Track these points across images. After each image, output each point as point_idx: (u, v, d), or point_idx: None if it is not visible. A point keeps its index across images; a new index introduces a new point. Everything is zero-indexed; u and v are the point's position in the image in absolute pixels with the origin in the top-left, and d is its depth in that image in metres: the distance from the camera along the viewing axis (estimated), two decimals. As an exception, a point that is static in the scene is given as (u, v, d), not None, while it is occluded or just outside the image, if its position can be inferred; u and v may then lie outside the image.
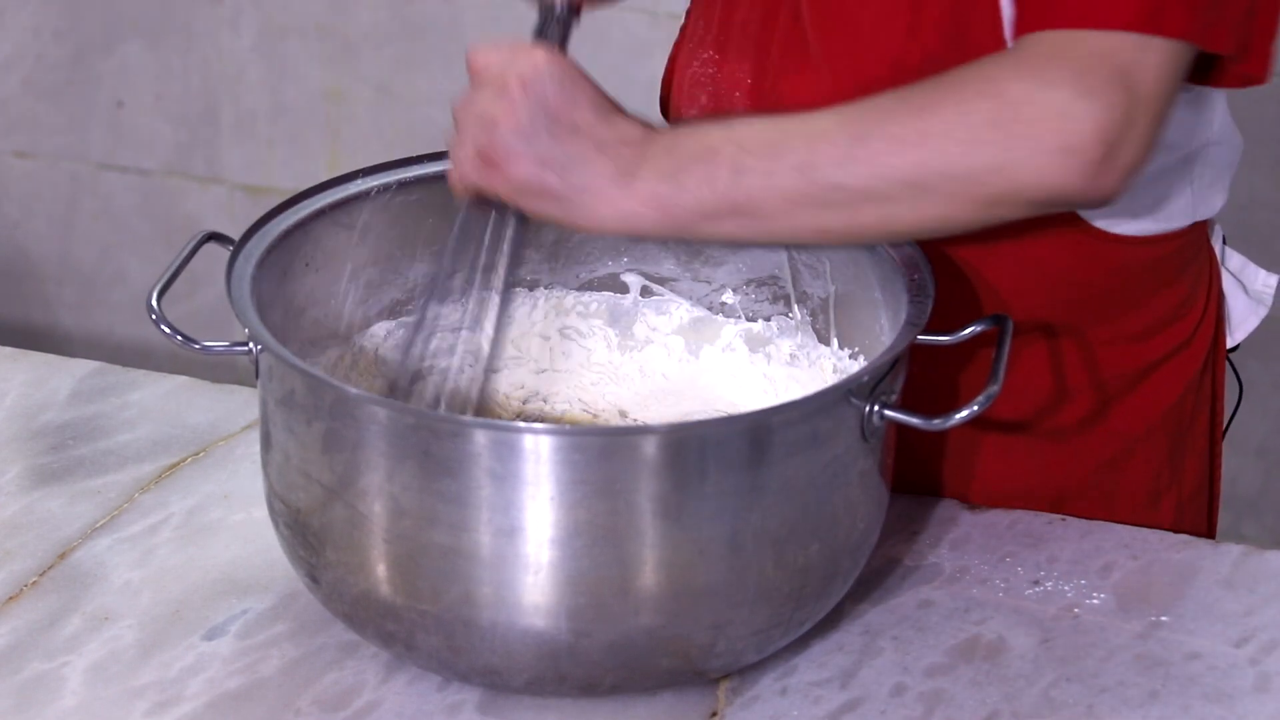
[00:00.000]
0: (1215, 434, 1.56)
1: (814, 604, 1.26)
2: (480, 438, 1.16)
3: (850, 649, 1.31)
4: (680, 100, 1.50)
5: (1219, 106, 1.42)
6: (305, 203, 1.36)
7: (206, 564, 1.38)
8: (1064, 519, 1.43)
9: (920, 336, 1.25)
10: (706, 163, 1.24)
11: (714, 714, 1.26)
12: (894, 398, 1.24)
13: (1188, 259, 1.47)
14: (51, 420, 1.54)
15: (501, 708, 1.25)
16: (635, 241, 1.46)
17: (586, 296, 1.48)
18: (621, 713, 1.25)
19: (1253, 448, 2.80)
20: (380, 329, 1.43)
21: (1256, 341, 1.57)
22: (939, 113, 1.23)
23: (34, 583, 1.37)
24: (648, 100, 1.50)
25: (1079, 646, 1.31)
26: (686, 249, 1.46)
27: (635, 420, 1.45)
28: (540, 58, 1.25)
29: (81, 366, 1.61)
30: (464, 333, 1.39)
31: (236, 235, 1.32)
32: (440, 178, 1.41)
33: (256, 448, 1.31)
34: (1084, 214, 1.39)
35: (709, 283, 1.47)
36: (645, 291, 1.48)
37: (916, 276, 1.29)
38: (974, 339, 1.29)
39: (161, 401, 1.57)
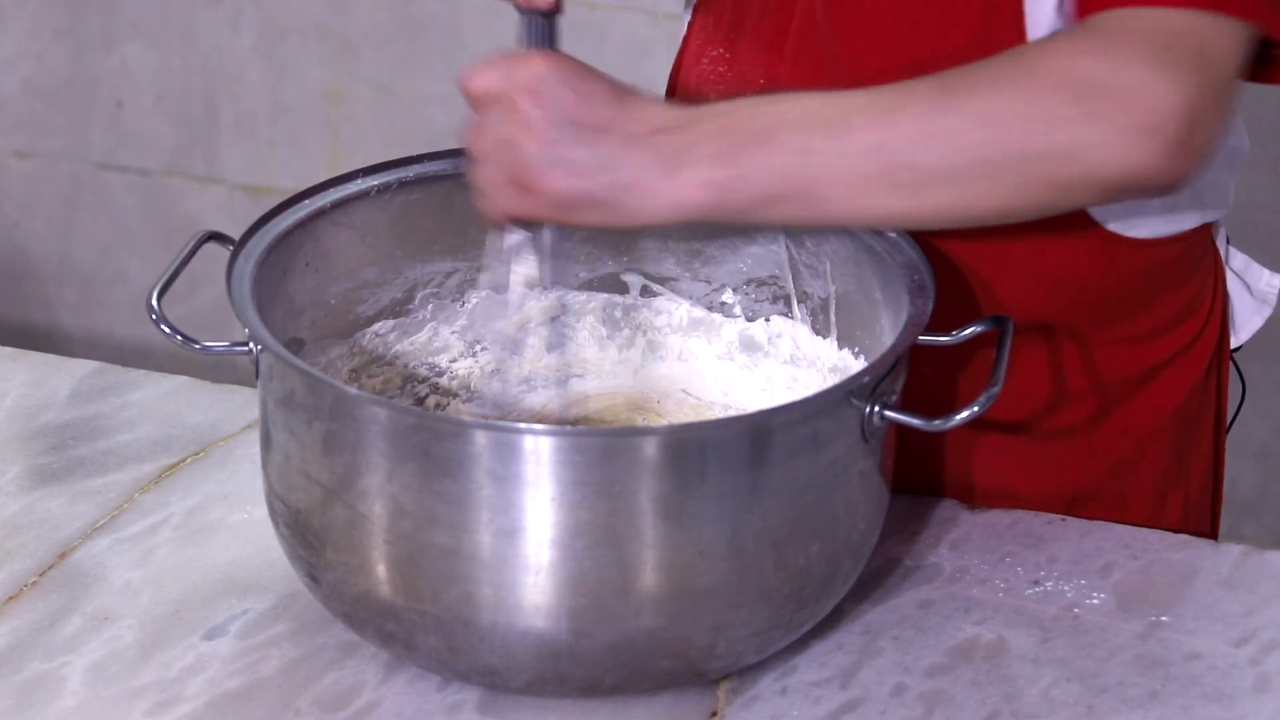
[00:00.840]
0: (1219, 434, 1.56)
1: (814, 604, 1.25)
2: (481, 438, 1.16)
3: (850, 649, 1.31)
4: (687, 99, 1.49)
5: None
6: (305, 202, 1.36)
7: (206, 564, 1.38)
8: (1064, 519, 1.43)
9: (921, 337, 1.24)
10: (765, 145, 1.19)
11: (714, 714, 1.26)
12: (895, 398, 1.24)
13: (1195, 260, 1.46)
14: (51, 420, 1.54)
15: (501, 708, 1.25)
16: (635, 242, 1.46)
17: (585, 296, 1.48)
18: (621, 713, 1.25)
19: (1253, 448, 2.80)
20: (380, 329, 1.43)
21: (1257, 342, 1.57)
22: (1016, 90, 1.19)
23: (34, 583, 1.37)
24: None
25: (1079, 646, 1.31)
26: (686, 249, 1.46)
27: (641, 421, 1.46)
28: (539, 64, 1.20)
29: (81, 366, 1.61)
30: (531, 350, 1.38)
31: (236, 235, 1.32)
32: (440, 178, 1.42)
33: (256, 448, 1.31)
34: (1097, 217, 1.39)
35: (709, 282, 1.47)
36: (645, 291, 1.48)
37: (917, 277, 1.29)
38: (975, 340, 1.29)
39: (161, 401, 1.57)
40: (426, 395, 1.46)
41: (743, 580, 1.20)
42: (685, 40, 1.54)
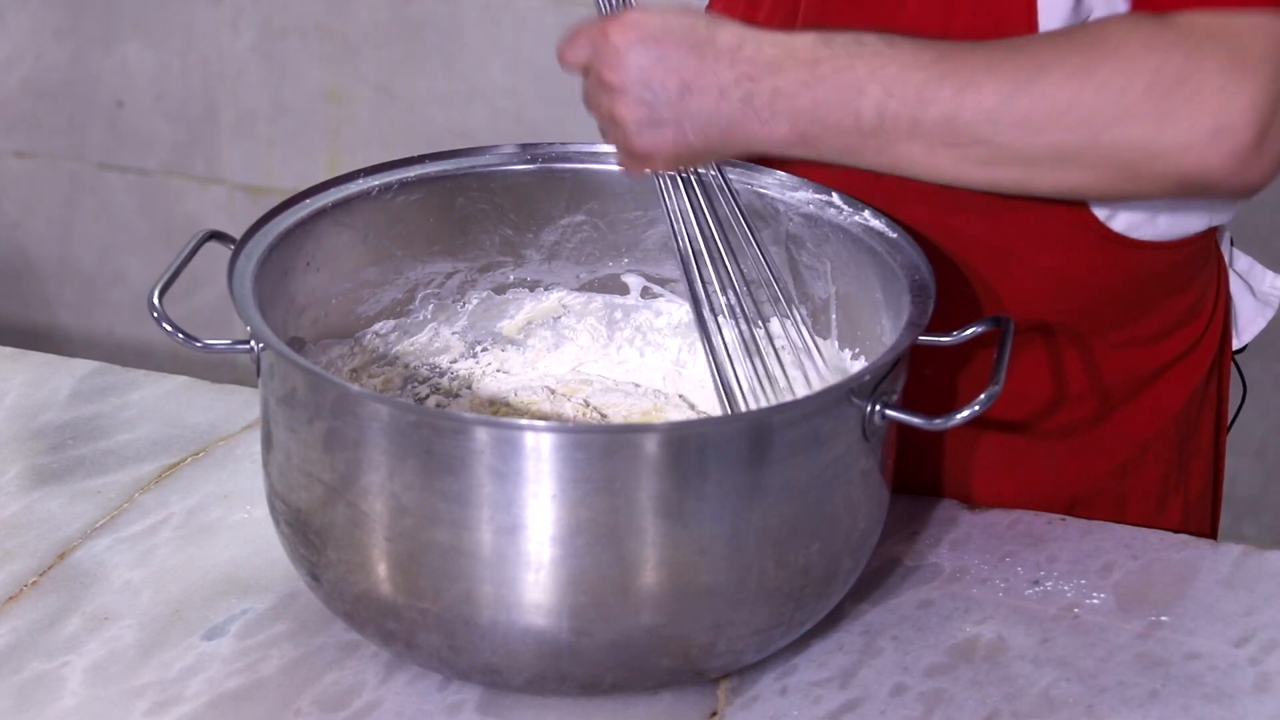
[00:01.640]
0: (1220, 435, 1.55)
1: (814, 604, 1.26)
2: (482, 435, 1.16)
3: (850, 649, 1.31)
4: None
5: None
6: (306, 202, 1.36)
7: (206, 564, 1.38)
8: (1064, 519, 1.43)
9: (921, 337, 1.24)
10: (848, 106, 1.24)
11: (714, 714, 1.26)
12: (895, 398, 1.24)
13: (1199, 265, 1.46)
14: (51, 420, 1.54)
15: (501, 707, 1.25)
16: (635, 242, 1.46)
17: (585, 297, 1.48)
18: (621, 713, 1.25)
19: (1253, 448, 2.80)
20: (380, 328, 1.43)
21: (1257, 341, 1.57)
22: (1092, 80, 1.21)
23: (34, 583, 1.37)
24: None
25: (1079, 646, 1.31)
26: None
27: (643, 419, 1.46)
28: (613, 33, 1.25)
29: (81, 366, 1.61)
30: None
31: (237, 235, 1.32)
32: (440, 178, 1.42)
33: (256, 448, 1.31)
34: (1102, 218, 1.38)
35: (709, 283, 1.46)
36: (645, 292, 1.48)
37: (918, 277, 1.29)
38: (975, 340, 1.29)
39: (161, 401, 1.57)
40: (427, 395, 1.46)
41: (743, 578, 1.20)
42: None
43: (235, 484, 1.47)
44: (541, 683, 1.23)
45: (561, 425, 1.18)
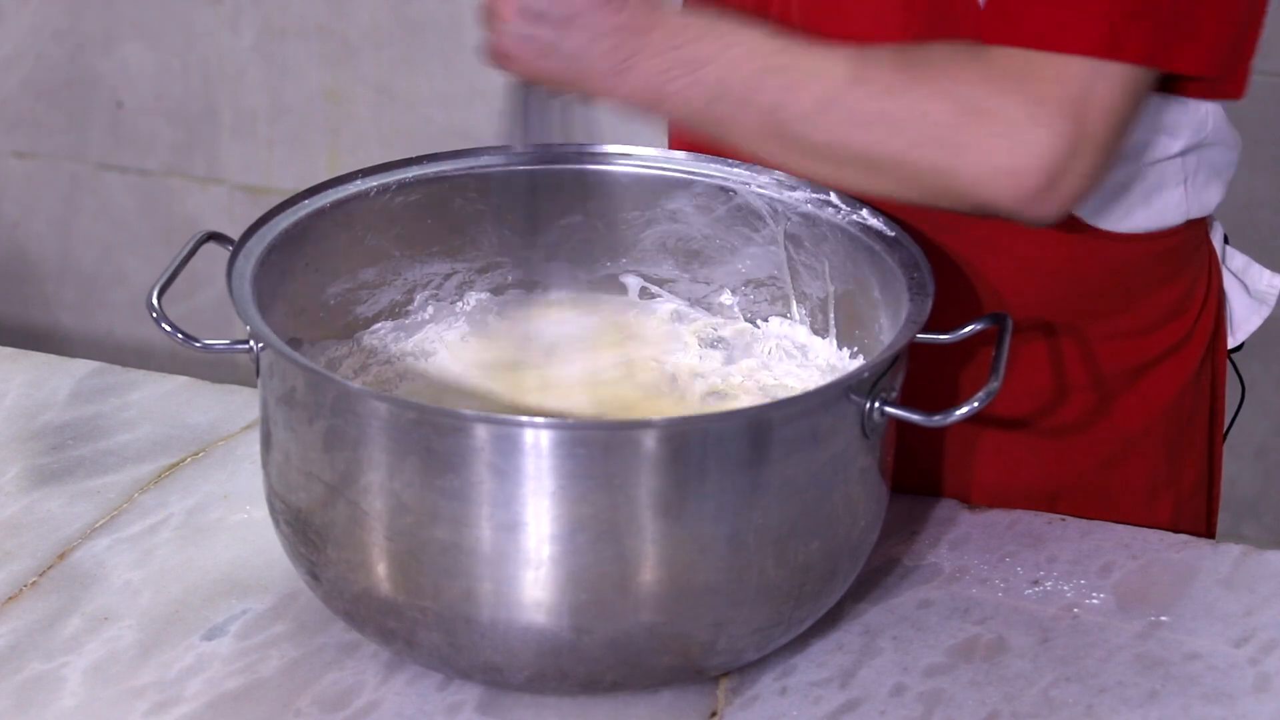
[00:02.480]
0: (1215, 433, 1.56)
1: (814, 602, 1.26)
2: (482, 432, 1.16)
3: (850, 649, 1.31)
4: None
5: (1211, 107, 1.42)
6: (305, 203, 1.36)
7: (206, 564, 1.38)
8: (1064, 519, 1.43)
9: (920, 335, 1.25)
10: (689, 76, 1.29)
11: (714, 713, 1.26)
12: (894, 395, 1.24)
13: (1185, 256, 1.47)
14: (51, 420, 1.54)
15: (501, 707, 1.25)
16: (633, 243, 1.46)
17: (584, 297, 1.48)
18: (621, 712, 1.25)
19: (1253, 449, 2.80)
20: (380, 329, 1.43)
21: (1258, 342, 1.57)
22: (902, 99, 1.26)
23: (34, 583, 1.37)
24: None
25: (1079, 646, 1.31)
26: (685, 251, 1.46)
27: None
28: None
29: (81, 366, 1.61)
30: None
31: (236, 235, 1.32)
32: (440, 179, 1.42)
33: (256, 448, 1.31)
34: (1076, 210, 1.39)
35: (708, 283, 1.47)
36: (644, 293, 1.48)
37: (916, 275, 1.29)
38: (973, 337, 1.30)
39: (161, 401, 1.57)
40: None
41: (743, 576, 1.20)
42: None
43: (235, 484, 1.47)
44: (542, 681, 1.23)
45: (561, 421, 1.18)
